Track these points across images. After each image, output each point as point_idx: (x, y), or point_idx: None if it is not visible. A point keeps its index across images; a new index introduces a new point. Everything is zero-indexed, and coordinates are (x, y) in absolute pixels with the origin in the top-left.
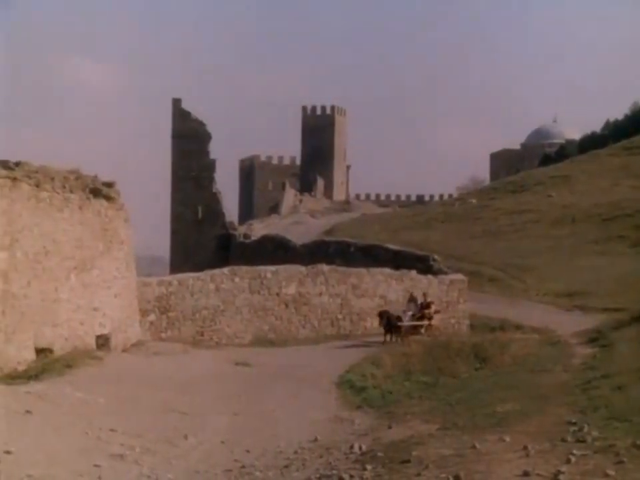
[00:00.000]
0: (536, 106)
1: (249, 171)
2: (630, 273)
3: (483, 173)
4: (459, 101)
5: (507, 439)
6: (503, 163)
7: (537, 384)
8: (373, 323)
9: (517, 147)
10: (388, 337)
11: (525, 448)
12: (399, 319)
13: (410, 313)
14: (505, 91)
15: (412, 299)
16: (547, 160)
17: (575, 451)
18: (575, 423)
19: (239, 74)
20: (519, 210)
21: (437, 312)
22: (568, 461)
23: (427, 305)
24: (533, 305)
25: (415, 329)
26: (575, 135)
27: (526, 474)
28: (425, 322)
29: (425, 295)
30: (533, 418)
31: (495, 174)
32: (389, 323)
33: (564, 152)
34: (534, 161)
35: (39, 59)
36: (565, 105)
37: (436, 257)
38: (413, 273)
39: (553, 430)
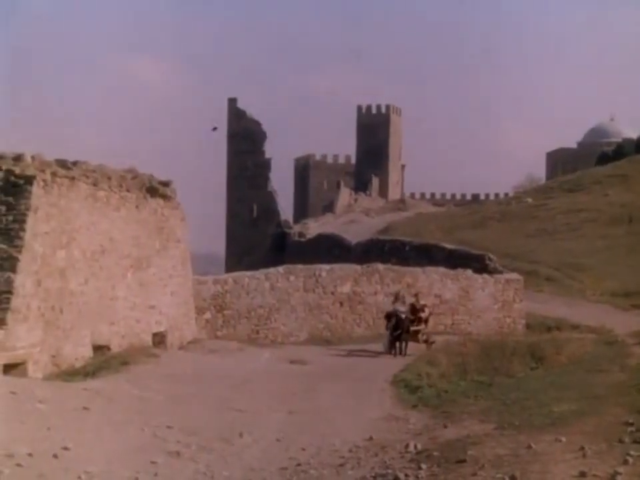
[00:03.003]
0: (593, 104)
1: (303, 170)
2: None
3: (539, 171)
4: (516, 99)
5: (563, 439)
6: (560, 161)
7: (593, 384)
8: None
9: (574, 145)
10: (396, 348)
11: (582, 448)
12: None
13: (403, 316)
14: (561, 89)
15: (398, 299)
16: (603, 159)
17: (632, 452)
18: (632, 424)
19: (294, 73)
20: (575, 209)
21: (430, 314)
22: (625, 462)
23: (420, 308)
24: (590, 304)
25: (413, 335)
26: (633, 133)
27: (582, 474)
28: (422, 326)
29: (416, 295)
30: (589, 418)
31: (551, 173)
32: (398, 327)
33: (621, 151)
34: (591, 159)
35: (95, 57)
36: (623, 103)
37: (492, 256)
38: (469, 272)
39: (610, 430)
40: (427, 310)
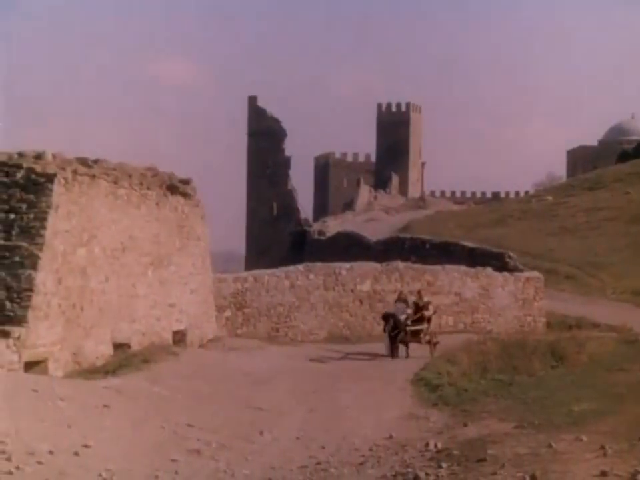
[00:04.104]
0: (614, 102)
1: (323, 168)
2: None
3: (559, 169)
4: (536, 97)
5: (584, 438)
6: (580, 159)
7: (614, 383)
8: (448, 321)
9: (594, 143)
10: (395, 350)
11: (602, 447)
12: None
13: (404, 316)
14: (582, 87)
15: (401, 299)
16: (624, 156)
17: None
18: None
19: (314, 71)
20: (595, 207)
21: (435, 312)
22: None
23: (424, 305)
24: (610, 303)
25: (415, 335)
26: None
27: (603, 474)
28: (425, 326)
29: (419, 292)
30: (610, 417)
31: (571, 171)
32: (396, 328)
33: None
34: (611, 157)
35: (116, 55)
36: None
37: (512, 254)
38: (489, 270)
39: (631, 429)
40: (431, 307)
